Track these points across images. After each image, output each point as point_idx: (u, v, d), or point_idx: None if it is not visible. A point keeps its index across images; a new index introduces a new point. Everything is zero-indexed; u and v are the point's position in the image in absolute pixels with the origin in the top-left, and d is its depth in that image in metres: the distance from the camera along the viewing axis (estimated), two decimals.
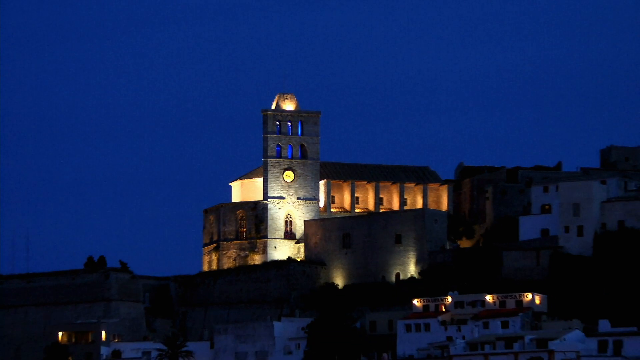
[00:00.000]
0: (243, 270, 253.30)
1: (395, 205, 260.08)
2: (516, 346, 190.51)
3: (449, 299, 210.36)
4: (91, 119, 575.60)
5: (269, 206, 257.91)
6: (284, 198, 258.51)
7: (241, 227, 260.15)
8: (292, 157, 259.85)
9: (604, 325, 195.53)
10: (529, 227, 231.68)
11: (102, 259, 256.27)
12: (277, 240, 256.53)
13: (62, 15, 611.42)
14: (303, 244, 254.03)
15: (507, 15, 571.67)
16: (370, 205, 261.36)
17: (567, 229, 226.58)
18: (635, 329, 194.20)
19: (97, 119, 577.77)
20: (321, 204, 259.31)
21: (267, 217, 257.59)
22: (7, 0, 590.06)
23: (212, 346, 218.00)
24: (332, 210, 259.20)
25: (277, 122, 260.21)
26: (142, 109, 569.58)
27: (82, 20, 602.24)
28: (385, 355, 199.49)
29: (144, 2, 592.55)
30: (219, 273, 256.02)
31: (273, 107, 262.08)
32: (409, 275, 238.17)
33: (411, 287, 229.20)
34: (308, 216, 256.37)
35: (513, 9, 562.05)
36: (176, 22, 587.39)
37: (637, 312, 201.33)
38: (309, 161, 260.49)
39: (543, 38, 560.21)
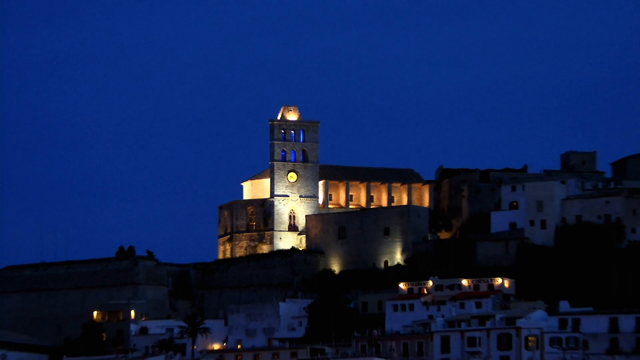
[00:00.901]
0: (253, 258, 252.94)
1: (384, 202, 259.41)
2: (488, 324, 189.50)
3: (430, 283, 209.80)
4: (124, 130, 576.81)
5: (275, 203, 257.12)
6: (288, 196, 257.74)
7: (251, 221, 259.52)
8: (295, 161, 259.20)
9: (564, 305, 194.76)
10: (499, 221, 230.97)
11: (131, 248, 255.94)
12: (282, 232, 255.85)
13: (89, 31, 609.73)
14: (304, 235, 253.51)
15: (478, 39, 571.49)
16: (363, 202, 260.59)
17: (532, 223, 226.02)
18: (591, 309, 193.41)
19: (128, 130, 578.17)
20: (320, 201, 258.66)
21: (273, 212, 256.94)
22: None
23: (226, 324, 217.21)
24: (329, 206, 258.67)
25: (282, 131, 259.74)
26: (166, 120, 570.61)
27: (109, 35, 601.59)
28: (375, 331, 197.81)
29: (167, 26, 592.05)
30: (232, 261, 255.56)
31: (279, 117, 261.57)
32: (395, 263, 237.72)
33: (398, 272, 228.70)
34: (309, 211, 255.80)
35: (482, 34, 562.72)
36: (197, 43, 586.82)
37: (592, 294, 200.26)
38: (310, 164, 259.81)
39: (512, 60, 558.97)
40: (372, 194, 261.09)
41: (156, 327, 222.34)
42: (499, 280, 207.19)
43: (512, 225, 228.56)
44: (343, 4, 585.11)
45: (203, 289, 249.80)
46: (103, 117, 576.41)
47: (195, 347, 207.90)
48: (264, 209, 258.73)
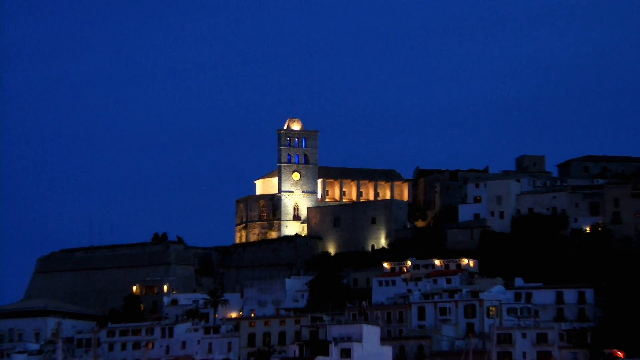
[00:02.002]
0: (264, 242, 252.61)
1: (371, 197, 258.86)
2: (456, 296, 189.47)
3: (409, 263, 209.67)
4: (160, 136, 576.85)
5: (282, 197, 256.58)
6: (293, 192, 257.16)
7: (262, 212, 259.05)
8: (298, 163, 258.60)
9: (519, 281, 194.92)
10: (465, 213, 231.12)
11: (164, 234, 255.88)
12: (288, 221, 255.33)
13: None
14: (306, 224, 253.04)
15: (448, 65, 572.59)
16: (354, 197, 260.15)
17: (492, 214, 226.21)
18: (541, 284, 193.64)
19: (164, 137, 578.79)
20: (319, 196, 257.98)
21: (281, 205, 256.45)
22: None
23: (242, 296, 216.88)
24: (326, 200, 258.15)
25: (288, 138, 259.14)
26: (193, 129, 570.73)
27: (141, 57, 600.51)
28: (364, 302, 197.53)
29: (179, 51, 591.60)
30: (247, 245, 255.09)
31: (285, 127, 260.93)
32: (380, 246, 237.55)
33: (382, 254, 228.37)
34: (310, 204, 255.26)
35: (451, 61, 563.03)
36: (220, 65, 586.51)
37: (542, 272, 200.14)
38: (310, 166, 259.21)
39: (476, 81, 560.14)
40: (361, 190, 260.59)
41: (184, 299, 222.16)
42: (465, 261, 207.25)
43: (476, 215, 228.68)
44: (338, 35, 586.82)
45: (223, 268, 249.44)
46: (144, 126, 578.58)
47: (216, 315, 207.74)
48: (273, 202, 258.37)
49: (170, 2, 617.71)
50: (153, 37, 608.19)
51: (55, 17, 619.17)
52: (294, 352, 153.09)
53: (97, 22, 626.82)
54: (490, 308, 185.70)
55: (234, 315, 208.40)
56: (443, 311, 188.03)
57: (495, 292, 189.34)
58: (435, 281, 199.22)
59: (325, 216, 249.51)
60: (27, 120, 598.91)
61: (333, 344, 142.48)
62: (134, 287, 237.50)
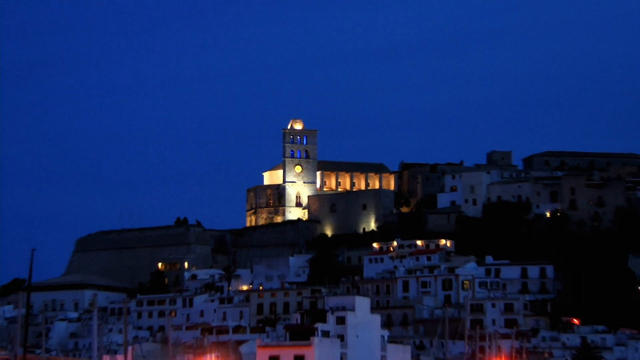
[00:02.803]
0: (270, 225, 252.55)
1: (362, 187, 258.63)
2: (435, 272, 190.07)
3: (395, 243, 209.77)
4: (180, 133, 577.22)
5: (286, 187, 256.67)
6: (295, 182, 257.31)
7: (269, 200, 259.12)
8: (300, 157, 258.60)
9: (489, 259, 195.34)
10: (443, 200, 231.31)
11: (185, 219, 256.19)
12: (291, 207, 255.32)
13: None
14: (307, 210, 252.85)
15: (425, 73, 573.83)
16: (347, 187, 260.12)
17: (466, 201, 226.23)
18: (508, 261, 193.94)
19: (184, 134, 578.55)
20: (318, 186, 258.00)
21: (285, 193, 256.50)
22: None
23: (252, 272, 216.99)
24: (324, 189, 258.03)
25: (291, 136, 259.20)
26: (208, 128, 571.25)
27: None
28: (356, 277, 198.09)
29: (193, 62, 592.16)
30: (256, 227, 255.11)
31: (289, 127, 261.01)
32: (371, 229, 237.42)
33: (372, 236, 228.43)
34: (310, 193, 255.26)
35: (429, 69, 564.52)
36: (230, 76, 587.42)
37: (509, 251, 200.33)
38: (310, 160, 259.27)
39: (448, 88, 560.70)
40: (354, 181, 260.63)
41: (202, 274, 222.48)
42: (443, 241, 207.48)
43: (452, 202, 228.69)
44: (335, 49, 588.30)
45: (235, 247, 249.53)
46: (170, 126, 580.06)
47: (230, 288, 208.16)
48: (279, 191, 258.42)
49: (194, 19, 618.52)
50: (180, 48, 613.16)
51: (97, 26, 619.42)
52: (297, 319, 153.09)
53: (133, 34, 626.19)
54: (465, 282, 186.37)
55: (245, 288, 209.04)
56: (424, 284, 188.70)
57: (468, 268, 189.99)
58: (417, 259, 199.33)
59: (323, 203, 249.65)
60: (73, 122, 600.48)
61: (330, 312, 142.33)
62: (159, 264, 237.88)
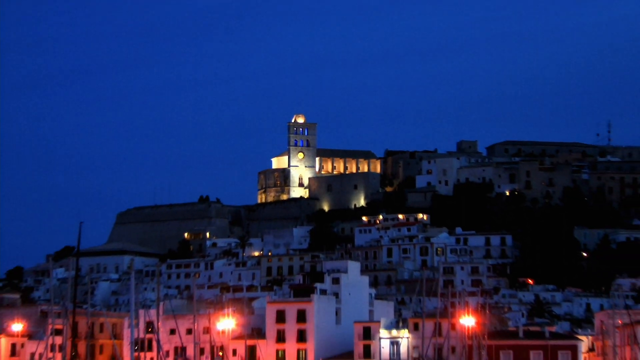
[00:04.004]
0: (278, 202, 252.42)
1: (354, 170, 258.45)
2: (414, 240, 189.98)
3: (381, 217, 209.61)
4: (203, 128, 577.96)
5: (291, 170, 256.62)
6: (298, 166, 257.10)
7: (277, 181, 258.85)
8: (302, 146, 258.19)
9: (459, 230, 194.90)
10: (421, 181, 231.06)
11: (207, 197, 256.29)
12: (295, 187, 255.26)
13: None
14: (307, 189, 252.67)
15: (412, 77, 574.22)
16: (341, 170, 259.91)
17: (440, 182, 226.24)
18: (474, 232, 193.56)
19: (206, 128, 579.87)
20: (317, 169, 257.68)
21: (289, 176, 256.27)
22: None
23: (262, 240, 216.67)
24: (322, 172, 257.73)
25: (295, 128, 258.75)
26: (227, 121, 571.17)
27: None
28: (349, 245, 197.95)
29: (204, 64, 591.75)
30: (266, 204, 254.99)
31: (293, 120, 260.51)
32: (361, 205, 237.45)
33: (362, 210, 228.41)
34: (310, 175, 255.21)
35: (414, 74, 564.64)
36: (245, 78, 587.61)
37: (475, 223, 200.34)
38: (311, 148, 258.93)
39: (426, 86, 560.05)
40: (346, 165, 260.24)
41: (221, 242, 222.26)
42: (420, 215, 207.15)
43: (428, 183, 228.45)
44: (331, 53, 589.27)
45: (248, 221, 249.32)
46: (197, 119, 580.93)
47: (244, 254, 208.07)
48: (284, 174, 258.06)
49: (215, 30, 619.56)
50: (205, 57, 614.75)
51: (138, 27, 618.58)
52: (299, 280, 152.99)
53: (174, 44, 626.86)
54: (438, 249, 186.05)
55: (256, 254, 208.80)
56: (405, 251, 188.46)
57: (441, 238, 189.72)
58: (399, 230, 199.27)
59: (321, 184, 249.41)
60: (117, 118, 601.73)
61: (327, 274, 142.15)
62: (185, 234, 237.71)
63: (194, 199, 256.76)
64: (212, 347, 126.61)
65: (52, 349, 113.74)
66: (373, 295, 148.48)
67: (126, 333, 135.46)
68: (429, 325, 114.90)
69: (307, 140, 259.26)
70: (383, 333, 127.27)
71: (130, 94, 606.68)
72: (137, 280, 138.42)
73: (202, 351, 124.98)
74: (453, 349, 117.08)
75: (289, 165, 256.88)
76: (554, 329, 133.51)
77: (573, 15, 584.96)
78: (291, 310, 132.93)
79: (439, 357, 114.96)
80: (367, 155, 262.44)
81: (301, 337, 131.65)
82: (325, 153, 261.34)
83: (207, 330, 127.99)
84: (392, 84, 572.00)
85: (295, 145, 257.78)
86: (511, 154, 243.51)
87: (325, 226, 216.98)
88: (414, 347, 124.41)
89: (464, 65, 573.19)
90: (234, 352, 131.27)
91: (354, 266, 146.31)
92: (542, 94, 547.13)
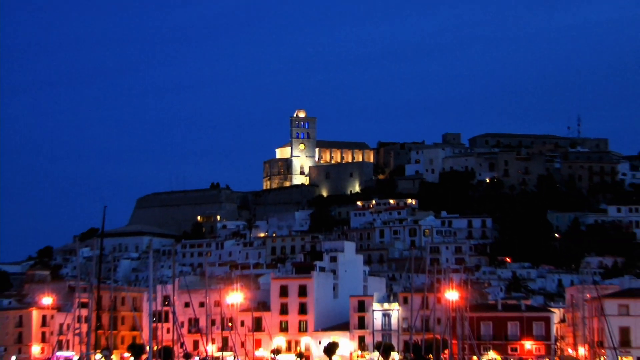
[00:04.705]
0: (281, 188, 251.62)
1: (350, 160, 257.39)
2: (404, 223, 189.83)
3: (374, 201, 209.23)
4: (217, 119, 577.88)
5: (293, 160, 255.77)
6: (300, 156, 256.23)
7: (280, 169, 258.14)
8: (303, 138, 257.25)
9: (444, 213, 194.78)
10: (410, 170, 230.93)
11: (218, 183, 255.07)
12: (297, 175, 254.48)
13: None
14: (308, 177, 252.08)
15: (394, 72, 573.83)
16: (339, 160, 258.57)
17: (427, 170, 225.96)
18: (457, 215, 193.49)
19: (218, 119, 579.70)
20: (316, 159, 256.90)
21: (292, 165, 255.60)
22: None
23: (267, 223, 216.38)
24: (321, 162, 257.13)
25: (297, 122, 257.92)
26: (237, 115, 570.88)
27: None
28: (345, 227, 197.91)
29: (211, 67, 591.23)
30: (270, 190, 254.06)
31: (294, 115, 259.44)
32: (356, 191, 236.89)
33: (357, 196, 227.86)
34: (310, 164, 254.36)
35: (397, 69, 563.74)
36: (253, 77, 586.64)
37: (459, 207, 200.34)
38: (311, 140, 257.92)
39: (415, 84, 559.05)
40: (343, 155, 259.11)
41: (230, 224, 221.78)
42: (409, 200, 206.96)
43: (416, 171, 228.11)
44: (328, 55, 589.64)
45: (255, 205, 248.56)
46: (210, 113, 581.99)
47: (251, 235, 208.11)
48: (287, 163, 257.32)
49: (224, 33, 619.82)
50: (219, 57, 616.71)
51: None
52: (300, 258, 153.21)
53: (191, 44, 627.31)
54: (425, 230, 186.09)
55: (262, 235, 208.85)
56: (395, 232, 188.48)
57: (428, 220, 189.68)
58: (390, 213, 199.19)
59: (320, 172, 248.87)
60: (139, 112, 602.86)
61: (325, 253, 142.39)
62: (198, 217, 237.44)
63: (206, 186, 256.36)
64: (222, 319, 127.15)
65: (79, 320, 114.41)
66: (367, 272, 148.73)
67: (145, 306, 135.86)
68: (417, 299, 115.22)
69: (308, 133, 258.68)
70: (376, 306, 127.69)
71: (151, 92, 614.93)
72: (155, 259, 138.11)
73: (213, 322, 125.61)
74: (438, 320, 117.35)
75: (291, 155, 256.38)
76: (529, 302, 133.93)
77: (546, 22, 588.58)
78: (293, 285, 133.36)
79: (426, 328, 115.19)
80: (362, 147, 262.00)
81: (302, 309, 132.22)
82: (324, 144, 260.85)
83: (217, 304, 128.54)
84: (384, 82, 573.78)
85: (297, 137, 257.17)
86: (491, 145, 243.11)
87: (324, 210, 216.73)
88: (404, 319, 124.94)
89: (449, 65, 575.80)
90: (242, 323, 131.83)
91: (349, 246, 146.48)
92: (519, 91, 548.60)
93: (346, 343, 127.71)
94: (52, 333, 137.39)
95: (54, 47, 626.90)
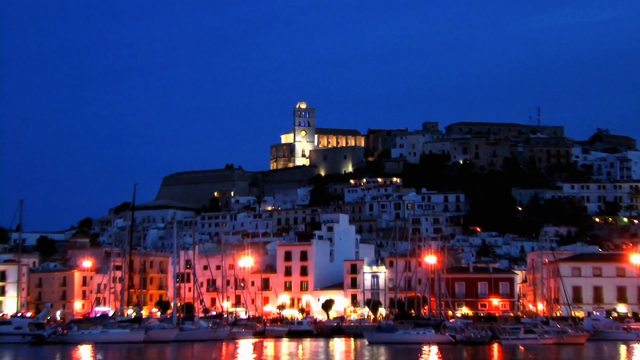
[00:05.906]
0: (286, 169, 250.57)
1: (344, 144, 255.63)
2: (390, 198, 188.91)
3: (364, 180, 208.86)
4: (231, 109, 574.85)
5: (296, 144, 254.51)
6: (301, 141, 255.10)
7: (285, 152, 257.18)
8: (304, 126, 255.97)
9: (424, 190, 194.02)
10: (395, 153, 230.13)
11: (232, 165, 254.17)
12: (299, 157, 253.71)
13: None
14: (309, 159, 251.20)
15: (384, 70, 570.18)
16: (334, 144, 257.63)
17: (410, 153, 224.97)
18: (436, 191, 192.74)
19: (232, 109, 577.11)
20: (315, 144, 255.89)
21: (295, 148, 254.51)
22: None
23: (274, 198, 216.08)
24: (320, 146, 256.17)
25: (299, 112, 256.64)
26: (247, 105, 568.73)
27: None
28: (340, 201, 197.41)
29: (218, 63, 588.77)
30: (277, 170, 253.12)
31: (297, 106, 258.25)
32: (349, 171, 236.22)
33: (350, 175, 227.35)
34: (311, 148, 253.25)
35: (385, 67, 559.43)
36: (262, 73, 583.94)
37: (437, 184, 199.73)
38: (311, 127, 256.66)
39: (400, 78, 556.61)
40: (338, 141, 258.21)
41: (243, 200, 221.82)
42: (395, 179, 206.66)
43: (401, 154, 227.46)
44: (326, 53, 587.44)
45: (263, 183, 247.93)
46: (227, 103, 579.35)
47: (260, 208, 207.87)
48: (291, 147, 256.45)
49: (235, 36, 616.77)
50: (234, 55, 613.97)
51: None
52: (302, 228, 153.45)
53: (210, 46, 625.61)
54: (408, 205, 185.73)
55: (269, 208, 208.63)
56: (383, 206, 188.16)
57: (411, 196, 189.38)
58: (378, 190, 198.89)
59: (319, 155, 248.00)
60: (169, 103, 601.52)
61: (323, 224, 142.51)
62: (215, 193, 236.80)
63: (221, 166, 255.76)
64: (235, 280, 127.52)
65: (114, 280, 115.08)
66: (358, 240, 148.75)
67: (170, 269, 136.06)
68: (401, 262, 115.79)
69: (308, 122, 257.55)
70: (366, 269, 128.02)
71: (177, 88, 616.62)
72: (178, 229, 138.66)
73: (228, 282, 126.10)
74: (419, 281, 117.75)
75: (294, 141, 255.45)
76: (496, 265, 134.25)
77: (512, 27, 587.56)
78: (296, 251, 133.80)
79: (409, 287, 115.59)
80: (354, 133, 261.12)
81: (304, 271, 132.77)
82: (322, 131, 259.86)
83: (231, 267, 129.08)
84: (374, 78, 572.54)
85: (299, 125, 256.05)
86: (464, 132, 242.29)
87: (322, 187, 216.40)
88: (390, 279, 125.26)
89: (430, 63, 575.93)
90: (253, 283, 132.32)
91: (344, 218, 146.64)
92: (488, 85, 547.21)
93: (341, 300, 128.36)
94: (91, 292, 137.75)
95: (106, 45, 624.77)
